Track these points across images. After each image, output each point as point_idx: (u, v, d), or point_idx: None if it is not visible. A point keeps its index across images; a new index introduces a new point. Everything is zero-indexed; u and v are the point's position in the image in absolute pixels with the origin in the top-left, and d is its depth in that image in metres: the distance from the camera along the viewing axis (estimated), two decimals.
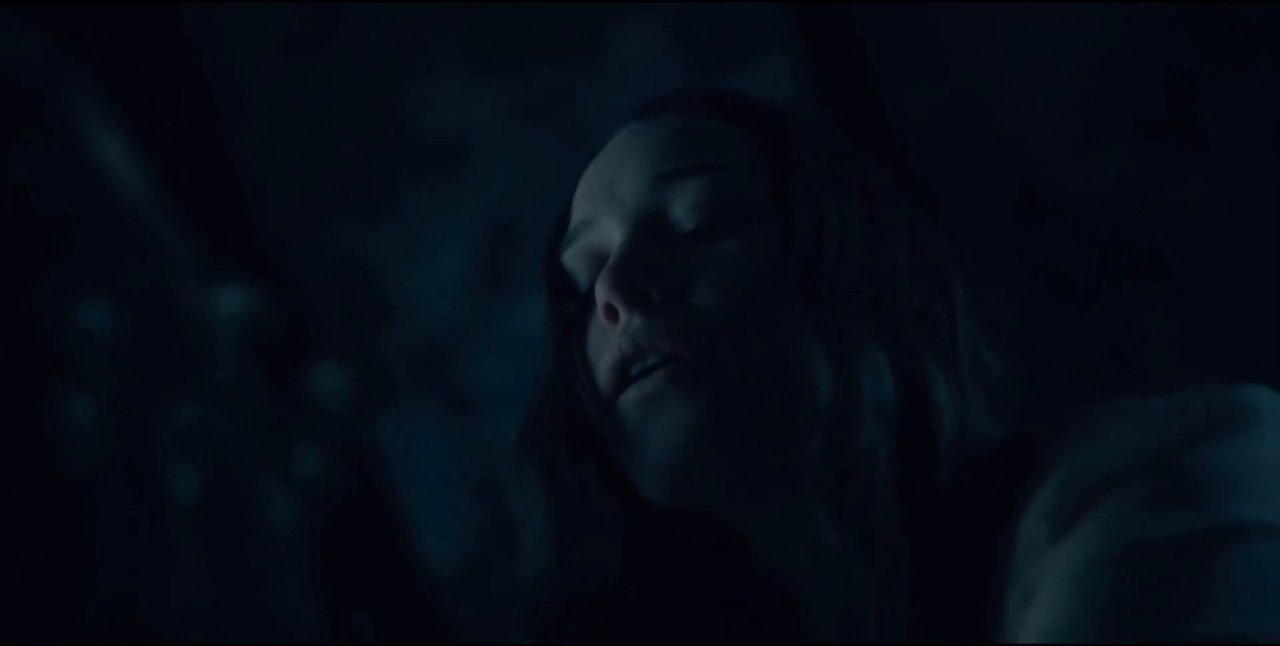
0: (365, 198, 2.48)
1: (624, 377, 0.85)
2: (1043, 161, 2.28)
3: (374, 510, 2.32)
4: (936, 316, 0.88)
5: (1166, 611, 0.68)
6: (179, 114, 2.38)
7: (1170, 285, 2.22)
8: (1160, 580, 0.69)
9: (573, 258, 0.91)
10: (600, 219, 0.90)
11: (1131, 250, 2.24)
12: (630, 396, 0.85)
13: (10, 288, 0.47)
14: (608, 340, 0.86)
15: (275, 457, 0.49)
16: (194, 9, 2.47)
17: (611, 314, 0.86)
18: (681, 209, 0.88)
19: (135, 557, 0.46)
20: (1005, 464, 0.79)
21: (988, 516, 0.77)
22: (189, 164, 2.33)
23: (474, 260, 2.43)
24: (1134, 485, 0.73)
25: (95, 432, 0.46)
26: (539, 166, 2.33)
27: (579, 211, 0.92)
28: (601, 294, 0.85)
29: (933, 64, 2.33)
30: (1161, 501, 0.72)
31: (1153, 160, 2.24)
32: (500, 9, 2.41)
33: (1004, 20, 2.29)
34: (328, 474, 0.49)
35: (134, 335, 0.47)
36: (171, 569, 0.46)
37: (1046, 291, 2.24)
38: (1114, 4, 2.22)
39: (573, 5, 2.37)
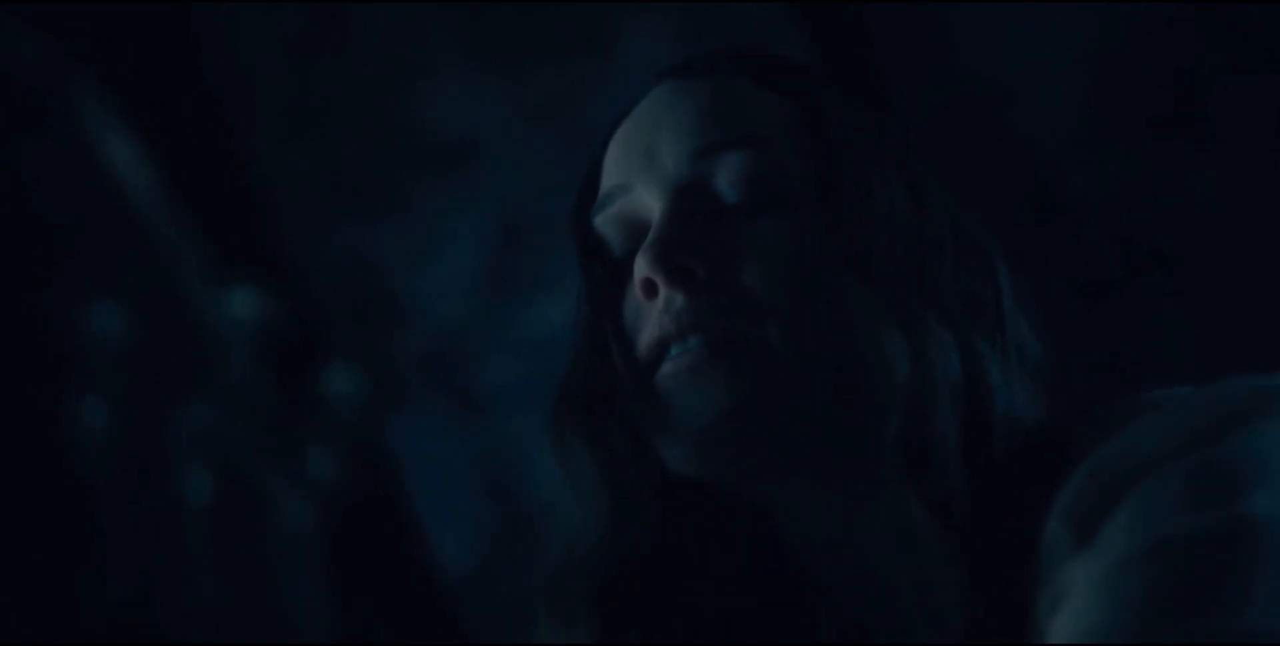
0: (373, 198, 2.48)
1: (663, 357, 0.83)
2: (1052, 160, 2.28)
3: (385, 511, 2.32)
4: (982, 297, 0.87)
5: (1206, 608, 0.66)
6: (185, 115, 2.38)
7: (1179, 284, 2.22)
8: (1198, 575, 0.67)
9: (606, 222, 0.89)
10: (637, 185, 0.88)
11: (1140, 249, 2.24)
12: (668, 370, 0.83)
13: (19, 291, 0.47)
14: (645, 313, 0.85)
15: (287, 460, 0.49)
16: (198, 10, 2.47)
17: (649, 289, 0.84)
18: (724, 182, 0.86)
19: (147, 560, 0.46)
20: (1042, 452, 0.79)
21: (1024, 505, 0.77)
22: (196, 166, 2.33)
23: (483, 260, 2.43)
24: (1162, 476, 0.71)
25: (107, 436, 0.45)
26: (546, 166, 2.33)
27: (614, 175, 0.90)
28: (642, 268, 0.83)
29: (941, 64, 2.33)
30: (1190, 492, 0.70)
31: (1162, 159, 2.23)
32: (506, 9, 2.41)
33: (1013, 20, 2.29)
34: (339, 476, 0.49)
35: (144, 338, 0.47)
36: (184, 571, 0.46)
37: (1056, 290, 2.23)
38: (1123, 3, 2.21)
39: (579, 5, 2.37)
